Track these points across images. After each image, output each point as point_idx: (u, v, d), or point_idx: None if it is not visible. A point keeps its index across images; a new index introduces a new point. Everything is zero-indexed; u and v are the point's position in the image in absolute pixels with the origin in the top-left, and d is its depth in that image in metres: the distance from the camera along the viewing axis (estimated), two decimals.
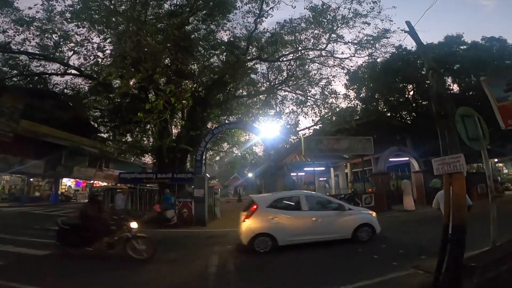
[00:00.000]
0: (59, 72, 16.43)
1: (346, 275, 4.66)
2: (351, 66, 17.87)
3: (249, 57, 16.11)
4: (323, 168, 18.05)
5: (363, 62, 18.77)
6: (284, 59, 17.56)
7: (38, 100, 19.17)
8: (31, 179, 23.15)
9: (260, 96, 18.91)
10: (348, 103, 19.40)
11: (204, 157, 13.04)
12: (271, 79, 19.24)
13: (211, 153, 27.72)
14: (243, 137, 18.62)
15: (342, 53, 18.90)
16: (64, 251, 6.08)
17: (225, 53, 15.35)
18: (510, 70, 11.94)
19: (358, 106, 21.11)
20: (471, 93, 17.93)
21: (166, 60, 13.70)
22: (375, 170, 15.37)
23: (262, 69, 19.26)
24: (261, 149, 23.37)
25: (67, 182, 27.19)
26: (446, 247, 3.39)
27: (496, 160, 18.21)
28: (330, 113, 18.37)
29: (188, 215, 11.53)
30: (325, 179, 23.76)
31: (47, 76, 16.82)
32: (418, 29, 4.63)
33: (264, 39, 16.18)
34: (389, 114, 20.51)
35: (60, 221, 6.22)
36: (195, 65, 15.73)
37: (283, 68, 18.54)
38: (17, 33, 14.05)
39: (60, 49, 14.98)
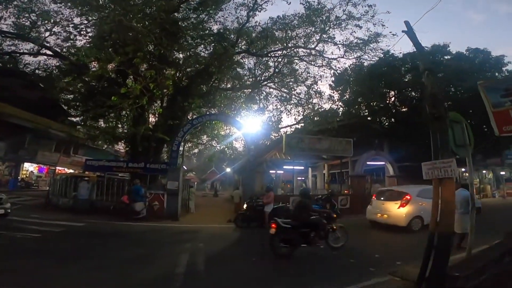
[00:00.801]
0: (33, 52, 15.24)
1: (324, 279, 4.42)
2: (338, 68, 17.89)
3: (237, 50, 15.67)
4: (302, 167, 18.02)
5: (350, 65, 18.91)
6: (273, 55, 17.24)
7: (5, 79, 17.53)
8: None
9: (245, 90, 18.53)
10: (331, 104, 19.54)
11: (181, 148, 12.37)
12: (257, 74, 18.90)
13: (189, 145, 26.90)
14: (224, 131, 18.04)
15: (332, 53, 18.71)
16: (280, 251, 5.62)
17: (213, 44, 14.78)
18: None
19: (341, 108, 21.39)
20: (449, 103, 18.61)
21: (151, 46, 12.95)
22: (352, 172, 15.52)
23: (249, 64, 18.87)
24: (241, 144, 22.98)
25: (29, 167, 25.10)
26: (430, 254, 3.21)
27: (463, 169, 19.15)
28: (312, 113, 18.39)
29: (159, 209, 10.91)
30: (303, 178, 23.89)
31: (18, 55, 15.53)
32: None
33: (255, 34, 15.77)
34: (369, 118, 20.91)
35: (280, 221, 5.76)
36: (181, 53, 15.06)
37: (271, 64, 18.23)
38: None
39: (37, 29, 13.85)
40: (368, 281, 4.18)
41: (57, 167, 25.77)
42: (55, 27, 13.43)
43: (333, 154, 14.52)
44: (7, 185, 19.76)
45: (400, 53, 20.56)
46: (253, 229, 9.28)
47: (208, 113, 16.34)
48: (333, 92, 21.28)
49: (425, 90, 3.69)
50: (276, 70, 18.08)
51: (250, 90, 18.22)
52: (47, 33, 14.08)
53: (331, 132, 15.90)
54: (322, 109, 18.26)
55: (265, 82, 18.68)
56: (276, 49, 16.66)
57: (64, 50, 13.97)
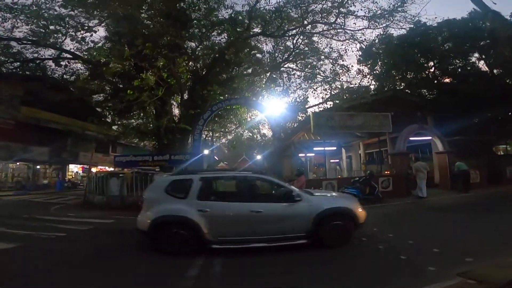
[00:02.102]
0: (53, 57, 15.74)
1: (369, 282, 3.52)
2: (365, 40, 15.97)
3: (252, 33, 14.86)
4: (335, 148, 16.65)
5: (377, 36, 17.00)
6: (290, 33, 15.93)
7: (38, 87, 18.63)
8: (38, 167, 23.02)
9: (266, 74, 17.52)
10: (361, 79, 17.75)
11: (202, 136, 11.92)
12: (277, 56, 17.71)
13: (217, 135, 26.74)
14: (247, 115, 17.29)
15: (354, 24, 16.71)
16: None
17: (226, 30, 14.23)
18: None
19: (372, 83, 19.42)
20: (500, 70, 16.02)
21: (160, 37, 12.61)
22: (393, 150, 13.87)
23: (268, 47, 17.81)
24: (268, 129, 22.15)
25: (74, 169, 27.04)
26: None
27: None
28: (341, 90, 16.83)
29: None
30: (337, 161, 22.37)
31: (42, 62, 16.22)
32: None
33: (268, 14, 14.79)
34: (407, 91, 18.79)
35: None
36: (194, 42, 14.77)
37: (289, 44, 16.98)
38: (5, 20, 13.24)
39: (54, 35, 14.13)
40: (429, 285, 3.17)
41: (99, 167, 27.38)
42: (69, 30, 13.66)
43: (369, 131, 13.01)
44: (54, 187, 21.38)
45: (435, 18, 18.26)
46: None
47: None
48: (362, 66, 19.33)
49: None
50: (296, 49, 16.81)
51: (270, 73, 17.20)
52: (64, 37, 14.37)
53: (363, 108, 14.31)
54: (352, 85, 16.70)
55: (286, 64, 17.51)
56: (293, 27, 15.37)
57: (84, 53, 14.17)
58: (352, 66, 16.91)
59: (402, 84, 19.78)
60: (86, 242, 6.23)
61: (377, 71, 18.90)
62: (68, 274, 4.12)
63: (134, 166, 12.74)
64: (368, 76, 18.24)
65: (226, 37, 14.85)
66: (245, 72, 16.29)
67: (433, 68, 19.74)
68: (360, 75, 17.24)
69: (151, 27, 12.93)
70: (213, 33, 14.87)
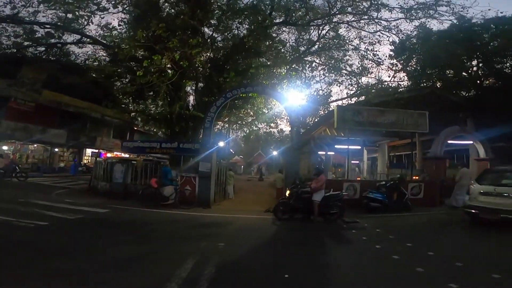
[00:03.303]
0: (74, 41, 15.64)
1: None
2: (400, 31, 14.25)
3: (274, 22, 13.93)
4: (359, 147, 15.09)
5: (414, 29, 15.18)
6: (315, 23, 14.59)
7: (61, 71, 18.75)
8: (56, 149, 23.33)
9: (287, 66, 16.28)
10: (393, 75, 15.97)
11: (217, 127, 10.96)
12: (301, 50, 16.35)
13: (234, 127, 25.83)
14: (264, 106, 16.07)
15: (387, 19, 14.88)
16: None
17: (247, 18, 13.39)
18: None
19: (405, 79, 17.54)
20: None
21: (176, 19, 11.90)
22: (428, 154, 12.22)
23: (291, 40, 16.48)
24: (286, 123, 20.90)
25: (91, 153, 27.28)
26: None
27: None
28: (369, 86, 15.26)
29: (191, 194, 9.76)
30: (357, 162, 20.74)
31: (65, 47, 16.41)
32: None
33: (291, 3, 13.83)
34: (445, 90, 16.86)
35: None
36: (214, 32, 14.04)
37: (314, 37, 15.64)
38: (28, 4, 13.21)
39: (78, 20, 13.94)
40: None
41: (115, 152, 27.48)
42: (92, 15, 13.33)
43: (402, 130, 11.39)
44: (69, 170, 21.52)
45: (482, 16, 16.23)
46: (297, 222, 7.43)
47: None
48: (394, 61, 17.48)
49: None
50: (321, 39, 15.43)
51: (294, 65, 15.93)
52: (85, 23, 14.15)
53: (395, 105, 12.72)
54: (383, 82, 15.08)
55: (309, 57, 16.16)
56: (319, 16, 14.01)
57: (106, 39, 13.91)
58: (384, 60, 15.19)
59: (438, 83, 17.86)
60: (61, 233, 5.49)
61: (411, 67, 17.00)
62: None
63: (141, 153, 12.17)
64: (400, 73, 16.36)
65: (247, 25, 14.05)
66: (264, 64, 15.16)
67: (476, 67, 17.83)
68: (391, 71, 15.42)
69: (167, 9, 12.23)
70: (234, 22, 13.99)
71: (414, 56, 17.76)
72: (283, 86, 14.05)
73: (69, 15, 13.48)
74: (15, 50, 15.15)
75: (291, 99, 11.58)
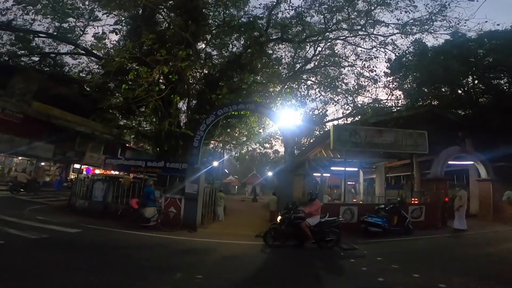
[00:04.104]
0: (68, 52, 15.43)
1: None
2: (396, 47, 14.34)
3: (270, 38, 14.02)
4: (356, 169, 14.57)
5: (410, 45, 15.28)
6: (311, 40, 14.65)
7: (53, 83, 18.35)
8: (42, 163, 22.38)
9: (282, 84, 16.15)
10: (389, 94, 15.89)
11: (201, 143, 10.41)
12: (296, 67, 16.34)
13: (227, 147, 25.24)
14: (258, 125, 15.59)
15: (383, 35, 15.12)
16: None
17: (243, 35, 13.42)
18: None
19: (401, 97, 17.44)
20: None
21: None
22: (429, 175, 11.73)
23: (286, 57, 16.51)
24: (281, 143, 20.39)
25: (72, 169, 26.25)
26: None
27: None
28: (365, 105, 15.10)
29: (175, 216, 8.97)
30: (353, 183, 20.15)
31: (60, 58, 16.12)
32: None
33: (288, 19, 14.00)
34: (440, 108, 16.68)
35: None
36: (208, 43, 13.96)
37: (310, 54, 15.65)
38: (25, 12, 12.90)
39: (73, 30, 13.93)
40: None
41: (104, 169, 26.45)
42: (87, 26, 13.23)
43: (401, 151, 10.95)
44: (53, 185, 20.46)
45: (479, 29, 16.39)
46: (289, 249, 6.68)
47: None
48: (390, 78, 17.48)
49: None
50: (317, 55, 15.45)
51: (288, 83, 15.80)
52: (81, 33, 14.02)
53: (391, 125, 12.41)
54: (381, 101, 14.99)
55: (305, 74, 16.10)
56: (315, 33, 14.12)
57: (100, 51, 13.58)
58: (380, 77, 15.14)
59: (435, 101, 17.70)
60: (12, 254, 4.82)
61: (408, 85, 16.91)
62: None
63: (126, 171, 11.47)
64: (396, 91, 16.25)
65: (243, 41, 14.05)
66: (259, 81, 14.97)
67: (472, 83, 17.62)
68: (388, 89, 15.36)
69: (161, 21, 12.11)
70: (230, 38, 13.95)
71: (409, 73, 17.67)
72: (277, 104, 13.72)
73: (64, 25, 13.30)
74: (7, 59, 14.76)
75: (285, 119, 11.16)
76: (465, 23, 14.49)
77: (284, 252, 6.50)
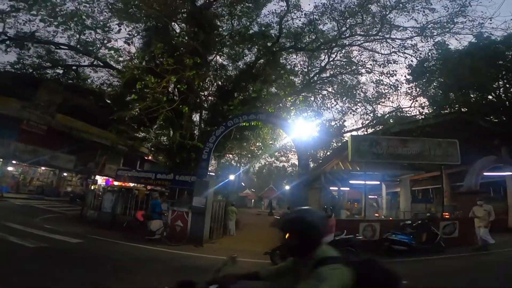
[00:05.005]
0: (89, 64, 15.94)
1: None
2: (415, 51, 13.53)
3: (282, 46, 13.87)
4: (377, 183, 13.51)
5: (431, 47, 14.32)
6: (325, 47, 14.23)
7: (76, 96, 19.08)
8: (65, 174, 23.19)
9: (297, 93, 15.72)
10: (412, 101, 14.86)
11: (210, 156, 10.04)
12: (311, 76, 15.88)
13: (244, 160, 24.87)
14: (271, 136, 15.01)
15: (401, 39, 14.48)
16: None
17: (255, 45, 13.30)
18: None
19: (426, 107, 16.27)
20: None
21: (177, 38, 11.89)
22: (462, 188, 10.56)
23: (302, 66, 16.13)
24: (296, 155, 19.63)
25: (99, 180, 26.98)
26: None
27: None
28: (387, 113, 14.24)
29: (182, 230, 8.55)
30: (375, 197, 18.81)
31: (80, 69, 16.56)
32: None
33: (300, 28, 13.81)
34: (472, 115, 15.34)
35: None
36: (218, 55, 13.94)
37: (325, 61, 15.20)
38: (47, 24, 13.44)
39: (94, 44, 14.38)
40: None
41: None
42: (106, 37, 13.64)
43: (429, 162, 9.92)
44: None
45: (506, 26, 15.26)
46: None
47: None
48: (412, 86, 16.47)
49: None
50: (332, 66, 14.94)
51: (303, 93, 15.33)
52: (100, 45, 14.46)
53: (418, 134, 11.43)
54: (404, 109, 14.09)
55: (320, 84, 15.55)
56: (328, 41, 13.67)
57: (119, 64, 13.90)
58: (401, 84, 14.27)
59: (463, 108, 16.33)
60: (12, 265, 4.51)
61: (432, 92, 15.77)
62: None
63: (136, 182, 11.41)
64: (419, 98, 15.14)
65: (255, 51, 13.89)
66: (273, 92, 14.60)
67: (502, 88, 16.11)
68: (410, 96, 14.39)
69: (173, 33, 12.24)
70: (244, 48, 13.85)
71: (434, 78, 16.51)
72: (292, 115, 13.23)
73: (83, 37, 13.71)
74: (32, 71, 15.18)
75: (299, 130, 10.59)
76: (490, 21, 13.41)
77: None
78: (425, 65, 14.70)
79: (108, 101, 16.63)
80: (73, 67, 16.20)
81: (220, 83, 14.43)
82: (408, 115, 14.29)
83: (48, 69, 16.00)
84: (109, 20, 12.83)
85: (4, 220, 8.23)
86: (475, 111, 14.66)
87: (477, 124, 12.58)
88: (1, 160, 18.07)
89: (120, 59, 12.30)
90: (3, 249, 5.26)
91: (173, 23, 12.52)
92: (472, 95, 16.33)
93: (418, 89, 14.96)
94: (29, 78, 15.85)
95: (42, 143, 19.21)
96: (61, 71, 16.50)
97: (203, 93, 13.41)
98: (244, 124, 10.94)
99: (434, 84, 15.63)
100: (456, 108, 15.17)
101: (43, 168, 21.35)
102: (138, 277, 4.61)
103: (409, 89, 14.69)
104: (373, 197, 17.97)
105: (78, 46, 14.30)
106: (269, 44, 13.19)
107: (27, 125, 18.16)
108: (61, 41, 14.37)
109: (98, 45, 14.88)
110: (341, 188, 14.69)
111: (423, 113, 14.66)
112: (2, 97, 17.40)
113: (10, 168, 18.97)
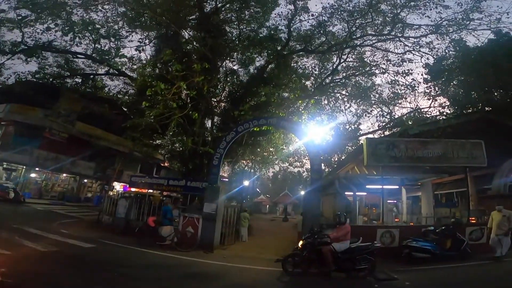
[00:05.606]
0: (105, 73, 16.42)
1: None
2: (431, 49, 12.93)
3: (292, 49, 13.72)
4: (396, 187, 12.87)
5: (447, 46, 13.63)
6: (336, 49, 13.89)
7: (95, 104, 19.75)
8: (85, 180, 24.03)
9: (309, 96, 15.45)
10: (431, 101, 14.15)
11: (221, 162, 9.99)
12: (323, 78, 15.55)
13: (257, 166, 24.67)
14: (282, 141, 14.71)
15: (415, 37, 13.94)
16: None
17: (265, 49, 13.17)
18: None
19: (447, 107, 15.45)
20: None
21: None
22: (490, 191, 9.86)
23: (313, 69, 15.82)
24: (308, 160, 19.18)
25: (117, 186, 27.76)
26: None
27: None
28: (405, 115, 13.63)
29: (192, 236, 8.48)
30: (394, 201, 17.91)
31: (97, 77, 17.01)
32: None
33: (309, 31, 13.59)
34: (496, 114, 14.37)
35: None
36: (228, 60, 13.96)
37: (336, 63, 14.85)
38: (65, 33, 13.93)
39: (109, 53, 14.71)
40: None
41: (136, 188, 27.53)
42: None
43: (452, 164, 9.32)
44: (92, 201, 21.68)
45: None
46: (311, 278, 5.69)
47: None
48: (430, 85, 15.70)
49: None
50: (345, 68, 14.56)
51: (316, 97, 15.03)
52: (113, 54, 14.82)
53: (439, 136, 10.81)
54: (423, 109, 13.46)
55: (333, 86, 15.17)
56: (339, 42, 13.36)
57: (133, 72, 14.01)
58: (418, 84, 13.66)
59: (486, 107, 15.36)
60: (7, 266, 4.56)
61: (452, 91, 14.96)
62: None
63: (148, 188, 11.57)
64: (439, 98, 14.38)
65: (266, 55, 13.75)
66: (285, 96, 14.40)
67: None
68: (429, 96, 13.69)
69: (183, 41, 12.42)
70: (254, 52, 13.79)
71: (453, 77, 15.68)
72: (303, 118, 12.95)
73: (98, 46, 14.05)
74: (52, 80, 15.61)
75: (311, 134, 10.32)
76: (507, 16, 12.62)
77: (304, 281, 5.55)
78: (443, 63, 14.00)
79: (124, 109, 17.02)
80: (91, 76, 16.73)
81: (231, 88, 14.47)
82: (427, 115, 13.57)
83: (67, 78, 16.56)
84: (122, 28, 13.18)
85: (23, 225, 8.53)
86: (501, 110, 13.73)
87: (504, 124, 11.75)
88: (25, 167, 18.93)
89: (134, 67, 12.66)
90: (15, 253, 5.35)
91: (182, 30, 12.76)
92: (496, 94, 15.35)
93: (437, 89, 14.22)
94: (50, 87, 16.33)
95: (63, 150, 20.02)
96: (80, 80, 17.04)
97: (214, 99, 13.45)
98: (255, 129, 10.85)
99: (454, 82, 14.81)
100: (480, 108, 14.26)
101: (64, 174, 22.20)
102: (142, 284, 4.53)
103: (427, 89, 13.98)
104: (393, 201, 17.15)
105: (94, 55, 14.77)
106: (278, 47, 13.10)
107: (49, 133, 18.97)
108: (78, 50, 14.86)
109: (113, 54, 15.34)
110: (357, 193, 14.11)
111: (444, 113, 13.93)
112: (26, 107, 18.33)
113: (33, 175, 19.86)
